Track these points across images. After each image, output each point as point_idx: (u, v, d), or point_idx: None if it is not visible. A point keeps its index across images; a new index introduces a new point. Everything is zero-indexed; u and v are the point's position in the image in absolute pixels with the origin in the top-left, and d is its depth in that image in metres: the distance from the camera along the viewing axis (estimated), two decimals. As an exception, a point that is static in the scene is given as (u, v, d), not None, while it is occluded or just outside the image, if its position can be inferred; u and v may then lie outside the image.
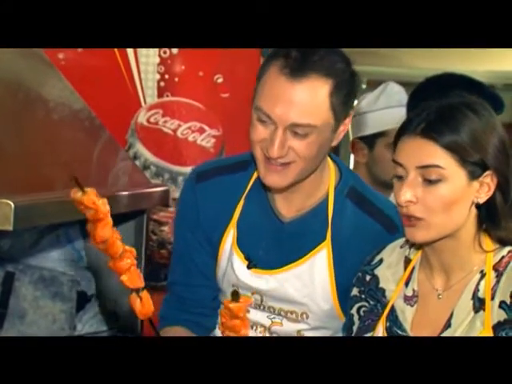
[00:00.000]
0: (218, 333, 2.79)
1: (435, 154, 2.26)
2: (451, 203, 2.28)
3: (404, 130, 2.33)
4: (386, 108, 3.95)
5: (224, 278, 2.79)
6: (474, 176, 2.29)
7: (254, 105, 2.52)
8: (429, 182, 2.27)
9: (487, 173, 2.30)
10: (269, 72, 2.48)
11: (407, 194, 2.27)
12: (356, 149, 4.24)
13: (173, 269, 2.98)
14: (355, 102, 2.64)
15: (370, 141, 4.01)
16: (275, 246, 2.71)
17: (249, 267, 2.72)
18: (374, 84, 4.58)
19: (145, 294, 2.14)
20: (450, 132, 2.26)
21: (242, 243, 2.73)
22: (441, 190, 2.27)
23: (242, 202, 2.75)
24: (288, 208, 2.70)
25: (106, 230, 2.00)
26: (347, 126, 2.59)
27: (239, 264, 2.73)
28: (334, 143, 2.59)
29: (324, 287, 2.69)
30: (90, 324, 3.38)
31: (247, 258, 2.72)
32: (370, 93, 4.22)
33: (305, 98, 2.42)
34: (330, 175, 2.71)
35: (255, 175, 2.70)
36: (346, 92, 2.50)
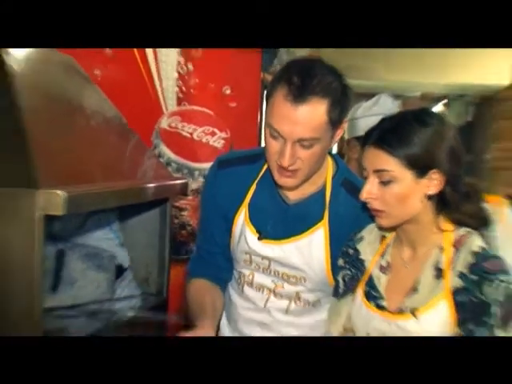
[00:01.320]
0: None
1: (386, 161, 2.31)
2: (403, 198, 2.34)
3: (366, 141, 2.37)
4: (378, 115, 3.94)
5: (238, 247, 2.81)
6: (421, 175, 2.33)
7: (266, 121, 2.54)
8: (383, 183, 2.33)
9: (434, 171, 2.32)
10: (276, 96, 2.48)
11: (365, 194, 2.37)
12: (350, 146, 4.31)
13: (198, 236, 3.02)
14: (348, 111, 2.62)
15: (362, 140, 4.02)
16: (281, 223, 2.74)
17: (259, 238, 2.75)
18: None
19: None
20: (398, 142, 2.31)
21: (253, 220, 2.77)
22: (393, 189, 2.33)
23: (253, 187, 2.79)
24: (293, 193, 2.74)
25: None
26: (342, 130, 2.61)
27: (251, 236, 2.76)
28: (332, 145, 2.63)
29: (320, 258, 2.70)
30: (126, 289, 3.37)
31: (258, 231, 2.75)
32: (365, 102, 4.26)
33: (307, 118, 2.43)
34: (328, 168, 2.75)
35: (265, 166, 2.74)
36: (340, 106, 2.51)
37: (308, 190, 2.73)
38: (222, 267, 2.92)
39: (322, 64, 2.56)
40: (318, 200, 2.74)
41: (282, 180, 2.60)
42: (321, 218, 2.72)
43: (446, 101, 10.53)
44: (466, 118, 10.22)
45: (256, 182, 2.80)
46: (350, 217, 2.64)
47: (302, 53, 4.47)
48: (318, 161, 2.61)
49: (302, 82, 2.43)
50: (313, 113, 2.45)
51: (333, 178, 2.75)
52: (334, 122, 2.52)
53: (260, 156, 2.79)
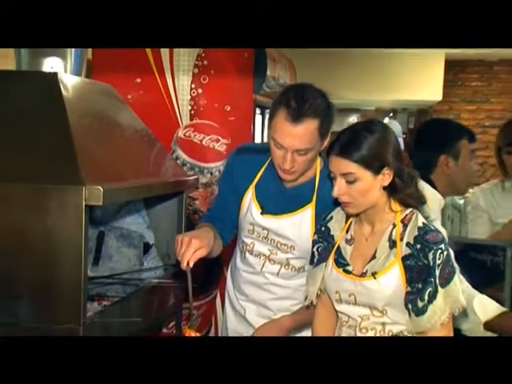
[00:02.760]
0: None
1: (349, 166, 2.31)
2: (366, 192, 2.34)
3: (329, 151, 2.38)
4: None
5: (245, 218, 2.84)
6: (377, 173, 2.33)
7: (270, 135, 2.64)
8: (349, 182, 2.33)
9: (385, 168, 2.32)
10: (277, 117, 2.56)
11: (335, 192, 2.37)
12: None
13: (213, 204, 3.08)
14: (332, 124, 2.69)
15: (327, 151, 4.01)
16: (279, 202, 2.78)
17: (262, 213, 2.79)
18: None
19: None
20: (354, 150, 2.31)
21: (258, 198, 2.81)
22: (357, 186, 2.33)
23: (260, 173, 2.84)
24: (289, 181, 2.75)
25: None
26: (328, 138, 2.65)
27: (255, 210, 2.80)
28: (320, 150, 2.70)
29: (307, 231, 2.73)
30: (151, 262, 3.35)
31: (261, 207, 2.79)
32: None
33: (303, 134, 2.53)
34: (317, 164, 2.78)
35: (270, 157, 2.77)
36: (327, 122, 2.59)
37: (302, 179, 2.76)
38: (225, 226, 2.90)
39: (313, 88, 2.64)
40: (309, 187, 2.77)
41: (284, 176, 2.69)
42: (310, 201, 2.75)
43: (392, 114, 10.55)
44: (408, 126, 10.24)
45: (263, 168, 2.84)
46: (331, 201, 2.59)
47: (287, 80, 4.47)
48: (311, 163, 2.70)
49: (297, 106, 2.51)
50: (307, 130, 2.54)
51: (321, 171, 2.77)
52: (323, 134, 2.61)
53: (267, 149, 2.78)
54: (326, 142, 2.65)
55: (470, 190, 3.92)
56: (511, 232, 3.67)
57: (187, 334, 2.47)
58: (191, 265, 2.49)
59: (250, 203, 2.82)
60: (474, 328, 2.91)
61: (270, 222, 2.79)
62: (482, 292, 3.10)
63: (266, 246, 2.82)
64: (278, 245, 2.79)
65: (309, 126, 2.53)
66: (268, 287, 2.85)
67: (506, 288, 3.47)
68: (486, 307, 2.96)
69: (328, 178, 2.68)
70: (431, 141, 3.29)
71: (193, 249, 2.49)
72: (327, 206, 2.64)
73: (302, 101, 2.52)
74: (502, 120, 9.25)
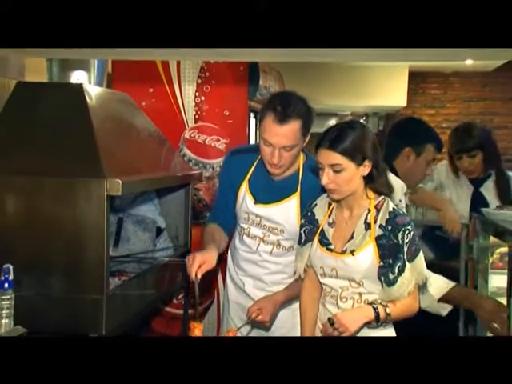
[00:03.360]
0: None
1: (336, 158, 2.30)
2: (349, 180, 2.32)
3: (319, 145, 2.36)
4: None
5: (241, 208, 2.83)
6: (359, 164, 2.32)
7: (260, 135, 2.67)
8: (335, 172, 2.31)
9: (366, 160, 2.32)
10: (266, 119, 2.59)
11: (324, 181, 2.34)
12: None
13: (216, 199, 3.07)
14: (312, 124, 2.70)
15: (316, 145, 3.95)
16: (269, 193, 2.77)
17: (255, 203, 2.79)
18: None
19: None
20: (342, 144, 2.30)
21: (251, 190, 2.80)
22: (343, 175, 2.32)
23: (252, 169, 2.83)
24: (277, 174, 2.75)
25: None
26: (308, 137, 2.68)
27: (249, 201, 2.80)
28: (303, 146, 2.71)
29: (293, 216, 2.73)
30: (163, 243, 3.34)
31: (254, 197, 2.79)
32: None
33: (288, 133, 2.56)
34: (300, 158, 2.78)
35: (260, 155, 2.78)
36: (308, 123, 2.61)
37: (287, 172, 2.75)
38: (228, 220, 2.91)
39: (295, 95, 2.68)
40: (294, 179, 2.76)
41: (272, 170, 2.70)
42: (295, 190, 2.75)
43: (365, 117, 10.54)
44: (379, 128, 10.22)
45: (254, 165, 2.83)
46: (314, 189, 2.61)
47: (276, 89, 4.44)
48: (295, 158, 2.70)
49: (283, 110, 2.54)
50: (291, 130, 2.57)
51: (303, 165, 2.77)
52: (304, 133, 2.63)
53: (256, 149, 2.82)
54: (307, 141, 2.69)
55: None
56: (420, 199, 3.63)
57: (195, 330, 2.51)
58: (199, 276, 2.53)
59: (244, 195, 2.82)
60: (430, 305, 2.87)
61: (261, 210, 2.78)
62: (445, 263, 3.13)
63: (260, 230, 2.82)
64: (270, 229, 2.79)
65: (293, 127, 2.56)
66: (263, 264, 2.84)
67: (461, 260, 3.48)
68: (437, 286, 2.90)
69: (310, 170, 2.74)
70: (405, 133, 3.29)
71: (197, 263, 2.53)
72: (310, 194, 2.64)
73: (286, 105, 2.56)
74: (457, 122, 9.34)
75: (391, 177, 2.79)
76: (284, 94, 2.82)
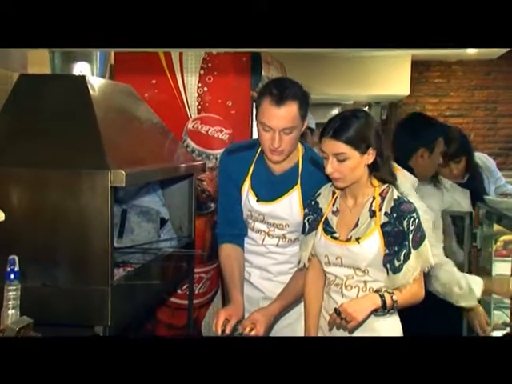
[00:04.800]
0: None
1: (340, 147, 2.31)
2: (353, 168, 2.33)
3: (322, 134, 2.36)
4: None
5: (244, 206, 2.81)
6: (363, 152, 2.32)
7: (258, 121, 2.62)
8: (340, 161, 2.32)
9: (370, 148, 2.32)
10: (263, 104, 2.58)
11: (329, 170, 2.35)
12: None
13: (220, 202, 2.95)
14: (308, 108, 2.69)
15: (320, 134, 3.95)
16: (271, 189, 2.75)
17: (257, 201, 2.76)
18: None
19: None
20: (345, 133, 2.30)
21: (254, 188, 2.78)
22: (347, 164, 2.33)
23: (252, 166, 2.80)
24: (277, 168, 2.75)
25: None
26: (306, 122, 2.67)
27: (252, 199, 2.77)
28: (302, 131, 2.69)
29: (297, 209, 2.72)
30: (166, 234, 3.36)
31: (256, 195, 2.76)
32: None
33: (286, 114, 2.54)
34: (299, 150, 2.77)
35: (259, 151, 2.78)
36: (305, 106, 2.60)
37: (287, 165, 2.73)
38: (241, 222, 2.86)
39: (289, 79, 2.71)
40: (294, 172, 2.74)
41: (273, 157, 2.66)
42: (296, 183, 2.72)
43: (368, 107, 10.52)
44: (382, 117, 10.20)
45: (254, 162, 2.80)
46: (314, 181, 2.63)
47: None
48: (295, 142, 2.66)
49: (279, 92, 2.54)
50: (289, 111, 2.55)
51: (302, 156, 2.75)
52: (302, 115, 2.61)
53: (254, 145, 2.82)
54: (305, 125, 2.68)
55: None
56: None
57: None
58: (227, 332, 2.54)
59: (247, 193, 2.79)
60: (469, 303, 3.07)
61: (264, 207, 2.76)
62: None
63: (265, 225, 2.81)
64: (275, 225, 2.78)
65: (290, 108, 2.54)
66: (269, 255, 2.83)
67: (465, 250, 3.49)
68: (476, 284, 3.02)
69: (309, 161, 2.73)
70: (415, 134, 3.27)
71: (222, 320, 2.55)
72: (310, 185, 2.65)
73: (282, 87, 2.55)
74: (460, 110, 9.35)
75: (405, 173, 2.87)
76: (278, 78, 2.86)
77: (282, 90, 2.54)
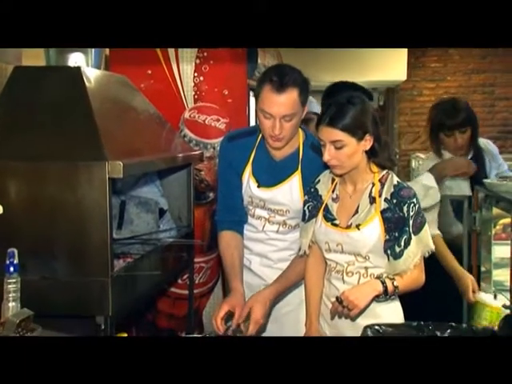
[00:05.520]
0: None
1: (337, 134, 2.30)
2: (351, 155, 2.32)
3: (319, 122, 2.36)
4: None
5: (245, 192, 2.82)
6: (360, 139, 2.32)
7: (258, 108, 2.63)
8: (337, 148, 2.31)
9: (367, 135, 2.31)
10: (263, 91, 2.58)
11: (326, 157, 2.35)
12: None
13: (219, 188, 2.97)
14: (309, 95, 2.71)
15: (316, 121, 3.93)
16: (272, 175, 2.77)
17: (258, 187, 2.78)
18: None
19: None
20: (342, 121, 2.29)
21: (255, 173, 2.79)
22: (344, 151, 2.32)
23: (253, 152, 2.81)
24: (278, 154, 2.76)
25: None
26: (306, 108, 2.68)
27: (253, 185, 2.78)
28: (302, 117, 2.69)
29: (297, 195, 2.73)
30: (166, 224, 3.35)
31: (257, 181, 2.78)
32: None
33: (287, 101, 2.55)
34: (299, 136, 2.77)
35: (260, 137, 2.80)
36: (305, 92, 2.60)
37: (288, 151, 2.75)
38: (241, 209, 2.88)
39: (289, 66, 2.69)
40: (294, 157, 2.75)
41: (273, 144, 2.67)
42: (296, 169, 2.74)
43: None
44: (379, 103, 10.19)
45: (255, 148, 2.81)
46: (314, 167, 2.63)
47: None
48: (295, 129, 2.68)
49: (279, 79, 2.54)
50: (290, 97, 2.55)
51: (303, 142, 2.77)
52: (303, 102, 2.62)
53: (254, 131, 2.84)
54: (305, 112, 2.69)
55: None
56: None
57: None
58: (239, 323, 2.58)
59: (248, 179, 2.80)
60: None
61: (265, 193, 2.77)
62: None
63: (265, 211, 2.82)
64: (275, 211, 2.79)
65: (291, 95, 2.54)
66: (269, 241, 2.85)
67: (464, 231, 3.49)
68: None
69: (310, 147, 2.74)
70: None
71: (223, 312, 2.58)
72: (310, 171, 2.66)
73: (282, 75, 2.55)
74: (458, 94, 9.32)
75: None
76: (278, 65, 2.87)
77: (282, 77, 2.54)
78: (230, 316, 2.63)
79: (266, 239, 2.85)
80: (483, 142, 3.68)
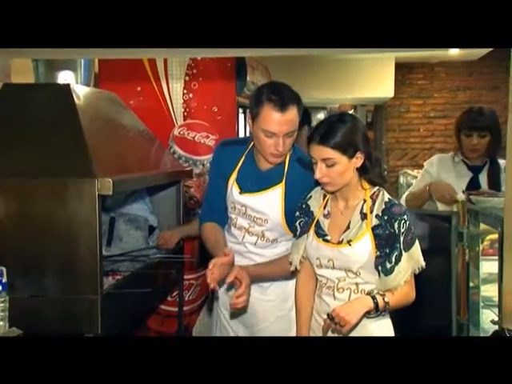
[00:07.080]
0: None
1: (328, 152, 2.30)
2: (342, 173, 2.33)
3: (310, 140, 2.36)
4: None
5: (228, 198, 2.83)
6: (351, 157, 2.32)
7: (259, 128, 2.62)
8: (328, 166, 2.31)
9: (358, 152, 2.32)
10: (264, 111, 2.59)
11: (317, 175, 2.35)
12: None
13: (207, 192, 3.01)
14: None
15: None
16: (256, 182, 2.78)
17: (240, 193, 2.79)
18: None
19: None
20: (332, 139, 2.29)
21: (239, 180, 2.80)
22: (336, 169, 2.32)
23: (242, 160, 2.82)
24: (264, 164, 2.77)
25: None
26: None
27: (236, 191, 2.79)
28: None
29: (277, 206, 2.75)
30: (155, 242, 3.34)
31: (240, 187, 2.79)
32: None
33: (290, 119, 2.60)
34: None
35: (249, 146, 2.81)
36: (301, 107, 2.64)
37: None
38: (222, 211, 2.89)
39: (282, 83, 2.70)
40: (280, 169, 2.76)
41: (276, 160, 2.71)
42: (280, 181, 2.74)
43: (353, 109, 10.56)
44: (367, 120, 10.24)
45: (244, 156, 2.83)
46: (299, 181, 2.66)
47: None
48: (292, 144, 2.72)
49: (279, 98, 2.57)
50: (291, 115, 2.60)
51: (290, 156, 2.77)
52: (299, 117, 2.66)
53: (246, 141, 2.86)
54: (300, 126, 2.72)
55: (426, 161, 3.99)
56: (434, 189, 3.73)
57: None
58: (243, 277, 2.55)
59: (232, 185, 2.82)
60: None
61: (247, 199, 2.78)
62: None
63: (246, 220, 2.81)
64: (255, 219, 2.79)
65: (292, 112, 2.59)
66: (248, 255, 2.84)
67: (452, 247, 3.49)
68: None
69: (297, 161, 2.76)
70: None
71: (217, 270, 2.52)
72: (294, 185, 2.69)
73: (280, 93, 2.59)
74: (444, 111, 9.39)
75: None
76: (272, 83, 2.84)
77: (282, 96, 2.58)
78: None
79: (244, 252, 2.84)
80: (503, 163, 3.73)
